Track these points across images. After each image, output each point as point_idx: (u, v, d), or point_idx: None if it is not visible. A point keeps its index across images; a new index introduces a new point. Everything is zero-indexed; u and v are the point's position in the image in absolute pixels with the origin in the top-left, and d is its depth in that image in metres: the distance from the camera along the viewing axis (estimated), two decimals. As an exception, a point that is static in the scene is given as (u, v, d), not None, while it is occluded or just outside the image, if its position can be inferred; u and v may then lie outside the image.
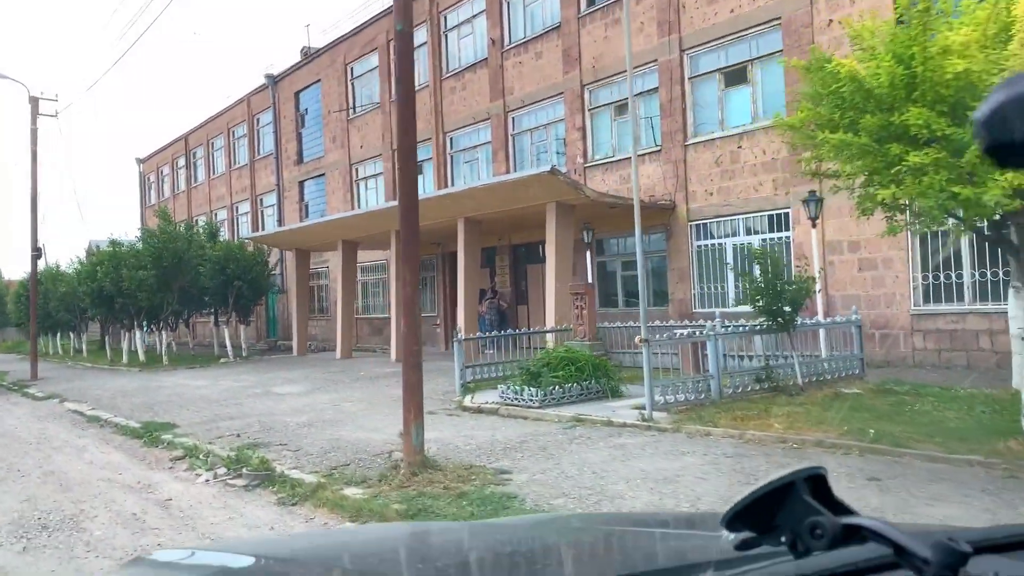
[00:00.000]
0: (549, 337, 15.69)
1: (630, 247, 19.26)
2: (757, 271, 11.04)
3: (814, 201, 12.13)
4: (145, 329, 28.96)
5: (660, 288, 18.55)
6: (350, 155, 29.48)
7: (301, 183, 33.15)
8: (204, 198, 41.44)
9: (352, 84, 29.59)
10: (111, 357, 30.44)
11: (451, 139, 24.77)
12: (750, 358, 11.31)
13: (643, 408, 9.82)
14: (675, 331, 11.99)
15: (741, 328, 11.13)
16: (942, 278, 13.68)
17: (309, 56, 32.24)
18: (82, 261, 32.38)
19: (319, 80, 31.40)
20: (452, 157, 24.78)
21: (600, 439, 8.99)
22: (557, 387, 11.07)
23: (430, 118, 25.03)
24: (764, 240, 16.22)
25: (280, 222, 33.56)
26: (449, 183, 24.42)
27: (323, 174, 31.42)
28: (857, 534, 0.95)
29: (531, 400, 11.01)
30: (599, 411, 10.38)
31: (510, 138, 22.45)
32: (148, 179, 49.89)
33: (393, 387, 15.71)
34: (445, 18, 24.80)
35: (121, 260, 27.47)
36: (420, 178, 26.28)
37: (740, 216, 16.74)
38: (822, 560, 0.97)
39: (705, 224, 17.55)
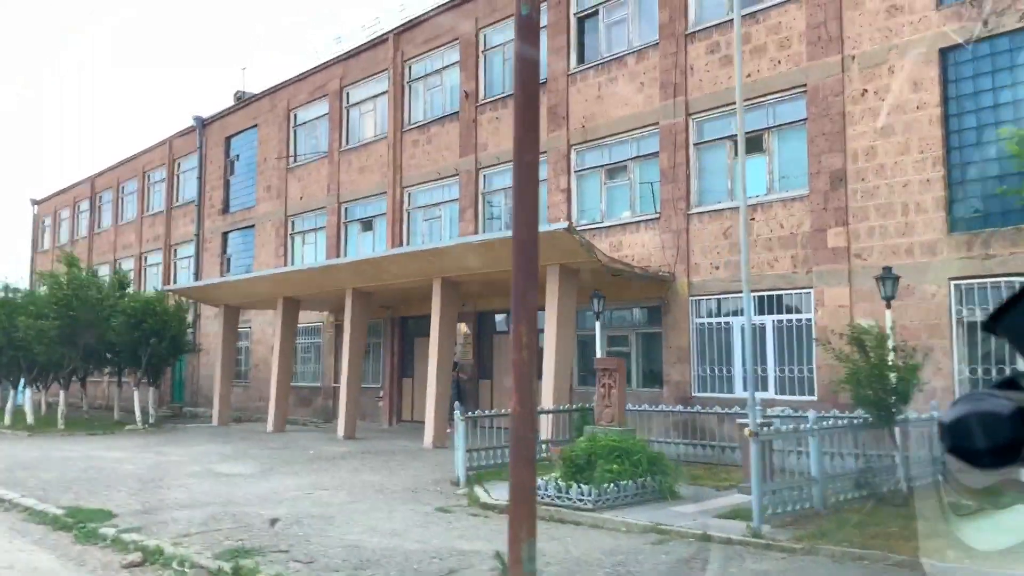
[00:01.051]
0: (546, 421, 13.76)
1: (616, 320, 17.69)
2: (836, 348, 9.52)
3: (891, 279, 10.82)
4: (35, 387, 25.39)
5: (652, 369, 16.95)
6: (287, 206, 27.13)
7: (225, 234, 30.42)
8: (109, 245, 37.89)
9: (294, 131, 27.45)
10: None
11: (409, 194, 22.89)
12: (837, 456, 9.70)
13: (735, 518, 8.02)
14: (760, 421, 10.28)
15: (837, 422, 9.56)
16: (991, 372, 12.57)
17: (246, 100, 29.97)
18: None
19: (255, 125, 29.12)
20: (410, 214, 22.86)
21: (729, 563, 7.09)
22: (612, 484, 9.14)
23: (387, 171, 23.14)
24: (780, 321, 14.90)
25: (197, 275, 30.61)
26: (405, 240, 22.43)
27: (252, 225, 28.87)
28: None
29: (581, 500, 9.03)
30: (675, 519, 8.51)
31: (480, 196, 20.75)
32: (43, 222, 45.70)
33: (363, 472, 13.48)
34: (410, 68, 23.18)
35: (16, 308, 24.09)
36: (369, 235, 24.30)
37: (753, 293, 15.40)
38: None
39: (708, 300, 16.15)
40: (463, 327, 20.70)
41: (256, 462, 14.87)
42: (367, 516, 9.54)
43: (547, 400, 13.96)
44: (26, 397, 24.82)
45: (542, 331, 17.97)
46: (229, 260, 30.17)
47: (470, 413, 12.12)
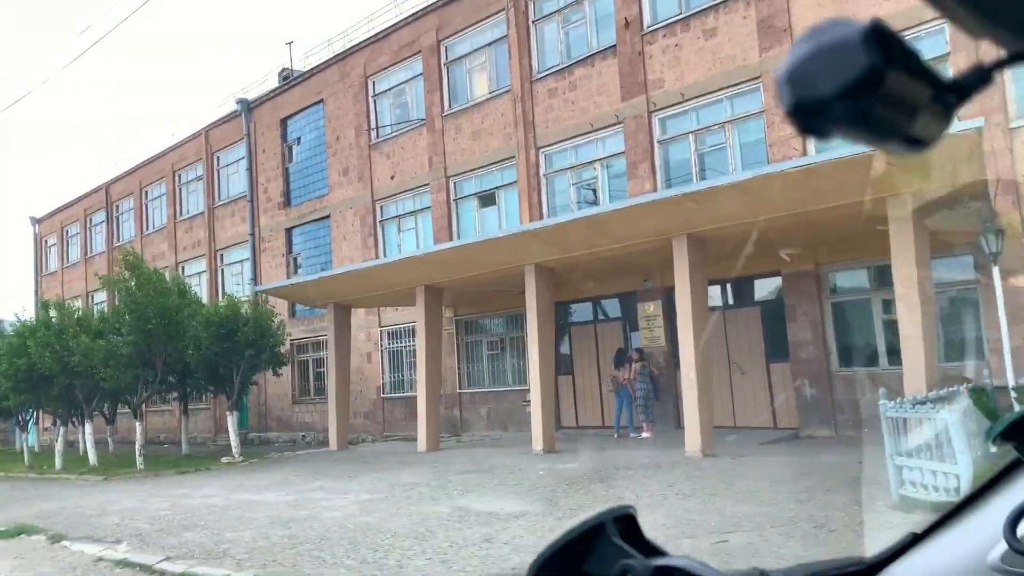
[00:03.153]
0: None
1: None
2: None
3: None
4: (84, 420, 21.16)
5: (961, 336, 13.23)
6: (373, 189, 23.09)
7: (289, 231, 26.28)
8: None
9: (374, 101, 23.43)
10: (31, 461, 22.19)
11: (547, 156, 19.01)
12: None
13: None
14: None
15: None
16: None
17: (304, 73, 25.86)
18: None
19: (320, 101, 25.04)
20: (548, 179, 18.96)
21: None
22: None
23: (513, 131, 19.25)
24: None
25: (257, 280, 26.43)
26: (546, 212, 18.53)
27: (326, 216, 24.77)
28: None
29: None
30: None
31: (655, 146, 16.92)
32: (46, 242, 41.08)
33: (725, 497, 9.55)
34: (535, 3, 19.31)
35: (63, 329, 19.87)
36: (492, 210, 20.33)
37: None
38: None
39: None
40: (649, 307, 16.83)
41: (496, 492, 10.88)
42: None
43: (916, 385, 10.06)
44: (85, 435, 20.50)
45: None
46: (296, 260, 26.03)
47: (893, 403, 8.17)
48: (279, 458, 18.72)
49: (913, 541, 1.35)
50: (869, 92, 0.56)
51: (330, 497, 11.81)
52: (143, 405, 19.68)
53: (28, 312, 25.39)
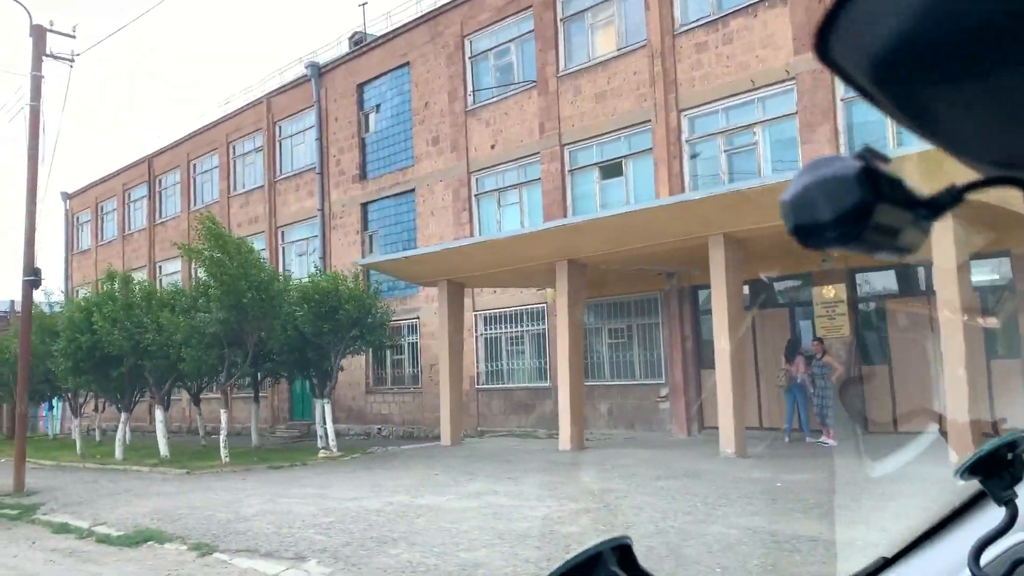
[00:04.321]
0: None
1: None
2: None
3: None
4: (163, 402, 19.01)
5: None
6: (468, 160, 20.88)
7: (364, 205, 24.07)
8: (179, 236, 31.14)
9: (470, 63, 21.23)
10: (83, 450, 19.98)
11: (690, 120, 16.81)
12: None
13: None
14: None
15: None
16: None
17: (388, 34, 23.64)
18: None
19: (406, 64, 22.83)
20: (690, 145, 16.78)
21: None
22: None
23: (649, 92, 17.05)
24: None
25: (325, 260, 24.22)
26: (687, 185, 16.34)
27: (410, 191, 22.56)
28: None
29: None
30: None
31: (838, 104, 14.74)
32: (77, 219, 38.84)
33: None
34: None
35: (133, 304, 17.72)
36: (617, 181, 18.15)
37: None
38: None
39: None
40: (829, 290, 14.65)
41: (754, 507, 8.67)
42: None
43: None
44: (157, 421, 18.30)
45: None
46: (372, 237, 23.82)
47: None
48: (384, 453, 16.52)
49: (883, 566, 1.43)
50: (860, 222, 0.64)
51: (519, 504, 9.60)
52: (229, 390, 17.36)
53: (56, 294, 23.31)
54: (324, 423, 17.07)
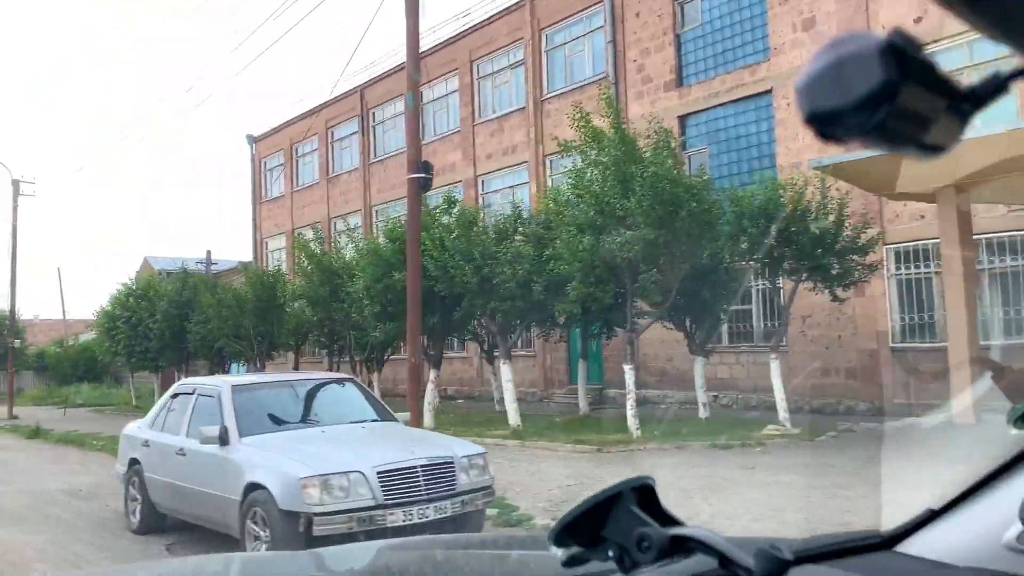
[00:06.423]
0: None
1: None
2: None
3: None
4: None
5: None
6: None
7: (682, 118, 19.13)
8: (399, 177, 26.79)
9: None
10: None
11: None
12: None
13: None
14: None
15: None
16: None
17: None
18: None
19: (753, -70, 17.68)
20: None
21: None
22: None
23: None
24: None
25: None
26: None
27: (763, 92, 17.51)
28: (684, 545, 0.95)
29: None
30: None
31: None
32: (265, 165, 35.30)
33: None
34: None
35: (479, 233, 13.35)
36: None
37: None
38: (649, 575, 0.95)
39: None
40: None
41: None
42: None
43: None
44: (504, 380, 13.82)
45: None
46: (691, 160, 18.87)
47: None
48: (865, 433, 11.56)
49: (930, 517, 1.34)
50: (883, 105, 0.58)
51: None
52: (635, 339, 12.67)
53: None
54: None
